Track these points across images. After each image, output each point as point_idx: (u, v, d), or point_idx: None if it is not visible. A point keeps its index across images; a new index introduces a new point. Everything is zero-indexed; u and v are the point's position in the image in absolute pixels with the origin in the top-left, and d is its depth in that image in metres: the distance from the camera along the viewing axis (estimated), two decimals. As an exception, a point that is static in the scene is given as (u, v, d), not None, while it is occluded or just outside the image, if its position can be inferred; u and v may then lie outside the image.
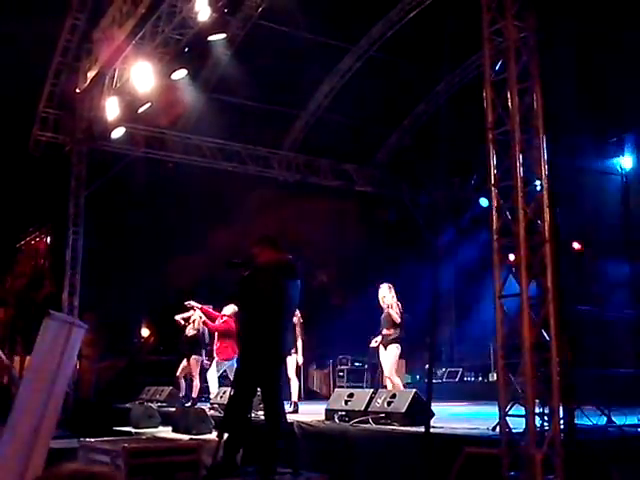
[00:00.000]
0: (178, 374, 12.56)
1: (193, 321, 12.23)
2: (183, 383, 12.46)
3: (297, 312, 9.43)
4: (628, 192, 10.93)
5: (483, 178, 6.03)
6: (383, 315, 9.65)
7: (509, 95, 5.88)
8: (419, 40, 13.37)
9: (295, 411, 9.75)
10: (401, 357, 9.68)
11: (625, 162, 12.22)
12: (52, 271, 14.41)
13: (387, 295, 9.68)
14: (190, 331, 12.23)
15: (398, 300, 9.71)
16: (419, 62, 13.91)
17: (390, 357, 9.45)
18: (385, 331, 9.56)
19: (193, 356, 12.13)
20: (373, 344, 9.77)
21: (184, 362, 12.33)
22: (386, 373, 9.55)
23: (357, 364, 15.57)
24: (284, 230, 12.41)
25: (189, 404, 11.46)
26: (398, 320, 9.50)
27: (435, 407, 7.86)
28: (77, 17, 12.61)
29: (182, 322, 12.26)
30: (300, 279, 6.36)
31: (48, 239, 15.38)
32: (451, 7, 7.29)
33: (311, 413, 8.88)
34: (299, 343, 10.15)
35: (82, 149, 14.00)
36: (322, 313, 15.13)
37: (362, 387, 14.01)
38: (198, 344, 12.21)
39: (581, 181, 10.75)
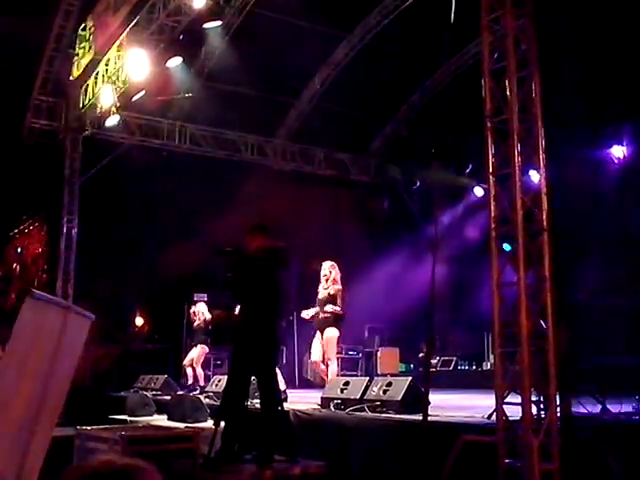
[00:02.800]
0: (185, 362, 12.67)
1: (198, 312, 12.51)
2: (190, 371, 12.55)
3: None
4: (625, 181, 10.97)
5: (478, 167, 6.02)
6: (322, 295, 9.08)
7: (507, 84, 5.87)
8: (414, 29, 13.34)
9: (284, 399, 9.64)
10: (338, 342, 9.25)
11: (622, 151, 12.25)
12: (47, 259, 14.34)
13: (331, 273, 9.11)
14: (198, 322, 12.53)
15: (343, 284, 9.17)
16: (414, 51, 13.87)
17: (330, 339, 8.96)
18: (322, 314, 9.01)
19: (200, 345, 12.35)
20: (304, 316, 9.22)
21: (193, 351, 12.51)
22: (314, 358, 9.09)
23: (351, 353, 15.59)
24: (278, 218, 12.39)
25: (197, 392, 11.52)
26: (339, 303, 8.96)
27: (429, 395, 7.90)
28: (71, 3, 12.50)
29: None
30: (291, 267, 6.37)
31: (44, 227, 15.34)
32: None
33: (307, 401, 8.89)
34: None
35: (76, 137, 13.94)
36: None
37: (357, 375, 14.03)
38: (205, 333, 12.49)
39: (579, 169, 10.76)
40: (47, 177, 13.57)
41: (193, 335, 12.89)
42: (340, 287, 9.11)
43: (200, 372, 12.41)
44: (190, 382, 12.51)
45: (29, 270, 15.33)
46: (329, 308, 8.98)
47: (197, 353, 12.49)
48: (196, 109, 14.72)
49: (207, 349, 12.57)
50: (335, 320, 9.03)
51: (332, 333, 9.01)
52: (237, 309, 11.19)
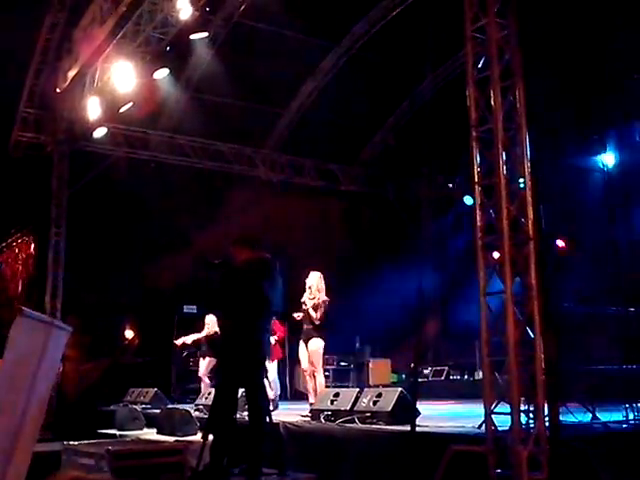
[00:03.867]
0: (202, 374, 12.53)
1: (207, 324, 12.35)
2: (207, 381, 12.43)
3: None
4: (611, 189, 11.00)
5: (468, 176, 6.02)
6: (308, 307, 8.98)
7: (492, 93, 5.89)
8: (402, 38, 13.37)
9: (275, 407, 9.56)
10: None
11: (608, 159, 12.29)
12: (35, 273, 14.26)
13: (316, 284, 9.06)
14: (205, 331, 12.40)
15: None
16: (402, 60, 13.90)
17: (315, 351, 8.95)
18: (305, 325, 8.98)
19: (208, 358, 12.21)
20: (296, 316, 9.15)
21: (205, 362, 12.38)
22: (304, 366, 9.08)
23: (343, 364, 15.55)
24: (268, 230, 12.38)
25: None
26: (321, 313, 8.91)
27: (421, 406, 7.87)
28: (57, 16, 12.46)
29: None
30: (279, 278, 6.33)
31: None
32: (434, 5, 7.31)
33: (298, 413, 8.85)
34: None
35: (64, 149, 13.86)
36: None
37: (348, 386, 13.99)
38: (212, 345, 12.34)
39: (564, 178, 10.79)
40: (34, 190, 13.49)
41: (201, 347, 12.69)
42: (325, 298, 9.05)
43: (208, 382, 12.28)
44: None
45: (12, 284, 15.23)
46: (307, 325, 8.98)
47: (207, 365, 12.37)
48: (184, 120, 14.70)
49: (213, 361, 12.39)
50: (317, 330, 8.98)
51: (317, 344, 8.98)
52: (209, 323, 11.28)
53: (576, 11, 10.64)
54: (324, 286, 9.17)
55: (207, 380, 12.29)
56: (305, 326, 9.04)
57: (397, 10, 13.21)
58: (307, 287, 9.16)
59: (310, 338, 8.98)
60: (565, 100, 10.44)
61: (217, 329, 12.21)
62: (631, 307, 7.61)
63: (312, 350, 8.98)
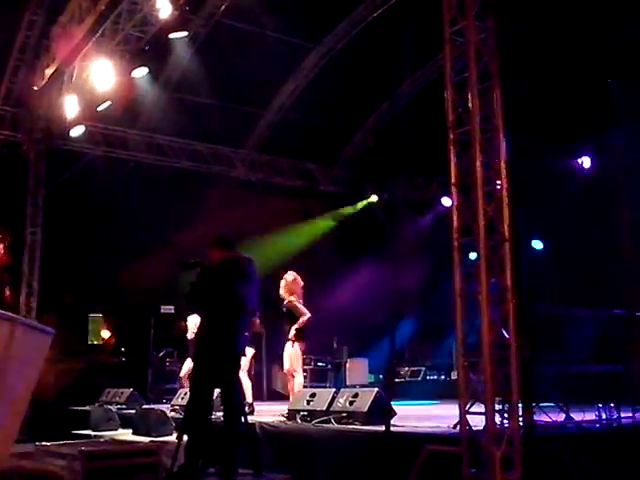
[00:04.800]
0: (182, 375, 12.47)
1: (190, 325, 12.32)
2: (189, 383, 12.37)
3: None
4: (588, 192, 11.12)
5: (446, 178, 6.05)
6: (287, 308, 9.12)
7: (470, 95, 5.92)
8: (383, 40, 13.40)
9: (251, 412, 9.60)
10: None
11: (585, 162, 12.43)
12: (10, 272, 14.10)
13: (293, 285, 9.19)
14: (191, 334, 12.31)
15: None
16: (383, 62, 13.93)
17: (296, 352, 9.06)
18: (290, 326, 9.06)
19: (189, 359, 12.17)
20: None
21: (189, 363, 12.32)
22: (287, 367, 9.16)
23: (320, 364, 15.55)
24: (247, 230, 12.35)
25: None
26: (306, 313, 9.08)
27: (398, 406, 7.90)
28: (36, 13, 12.36)
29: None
30: (254, 278, 6.32)
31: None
32: (414, 8, 7.34)
33: (274, 413, 8.84)
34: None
35: (40, 148, 13.75)
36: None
37: (325, 387, 13.99)
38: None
39: (541, 181, 10.89)
40: (10, 189, 13.34)
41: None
42: (293, 299, 9.12)
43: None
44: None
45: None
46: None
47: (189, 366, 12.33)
48: (163, 120, 14.63)
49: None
50: (296, 332, 9.04)
51: (296, 346, 9.05)
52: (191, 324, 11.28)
53: (555, 14, 10.74)
54: (300, 287, 9.22)
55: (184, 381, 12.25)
56: (288, 327, 9.11)
57: (378, 12, 13.24)
58: (282, 287, 9.25)
59: (295, 339, 9.05)
60: (543, 103, 10.53)
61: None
62: (605, 308, 7.69)
63: (291, 351, 9.03)
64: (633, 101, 10.20)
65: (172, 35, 11.35)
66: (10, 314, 4.02)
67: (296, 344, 9.05)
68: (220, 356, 6.07)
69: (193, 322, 12.13)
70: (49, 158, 13.71)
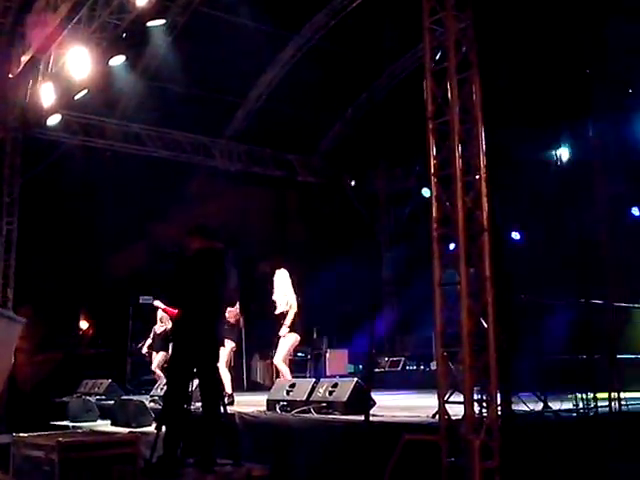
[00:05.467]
0: (154, 367, 12.45)
1: (160, 318, 12.26)
2: (160, 373, 12.36)
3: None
4: (565, 182, 11.20)
5: (426, 168, 6.06)
6: (283, 309, 9.47)
7: (449, 85, 5.93)
8: (362, 30, 13.38)
9: (230, 403, 9.63)
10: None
11: (562, 153, 12.51)
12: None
13: (285, 282, 9.57)
14: (159, 328, 12.33)
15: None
16: (362, 52, 13.92)
17: (287, 344, 9.39)
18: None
19: (162, 352, 12.16)
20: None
21: (159, 356, 12.31)
22: (277, 360, 9.47)
23: (300, 354, 15.54)
24: (225, 220, 12.29)
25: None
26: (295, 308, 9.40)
27: (377, 396, 7.94)
28: (10, 0, 12.15)
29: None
30: (231, 268, 6.32)
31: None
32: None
33: (254, 404, 8.84)
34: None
35: (16, 136, 13.55)
36: (264, 304, 15.05)
37: (305, 377, 14.00)
38: (166, 339, 12.29)
39: (519, 171, 10.95)
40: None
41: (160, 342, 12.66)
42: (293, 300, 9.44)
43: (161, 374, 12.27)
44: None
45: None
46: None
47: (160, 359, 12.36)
48: (141, 109, 14.50)
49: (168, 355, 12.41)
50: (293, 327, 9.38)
51: (289, 338, 9.41)
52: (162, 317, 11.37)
53: (534, 4, 10.77)
54: (283, 282, 9.56)
55: (160, 372, 12.25)
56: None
57: (357, 1, 13.20)
58: (275, 286, 9.57)
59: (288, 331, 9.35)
60: (521, 94, 10.57)
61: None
62: (582, 298, 7.76)
63: (286, 341, 9.36)
64: (610, 91, 10.28)
65: (149, 23, 11.26)
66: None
67: (292, 336, 9.38)
68: (198, 346, 6.05)
69: (163, 315, 12.18)
70: (25, 147, 13.51)
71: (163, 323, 12.32)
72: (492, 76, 6.47)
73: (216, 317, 6.22)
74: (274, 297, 9.57)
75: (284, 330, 9.31)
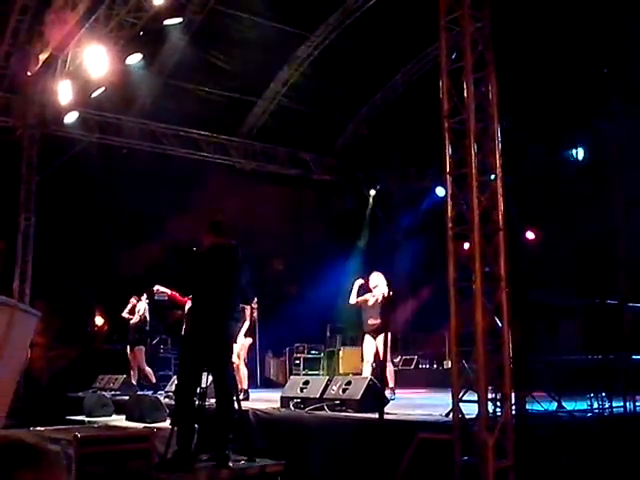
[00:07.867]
0: (132, 363, 12.59)
1: (137, 310, 12.36)
2: (148, 368, 12.48)
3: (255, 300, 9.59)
4: (581, 182, 11.15)
5: (440, 168, 6.06)
6: (371, 303, 9.70)
7: (465, 84, 5.92)
8: (377, 29, 13.38)
9: (245, 398, 9.66)
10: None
11: (578, 152, 12.46)
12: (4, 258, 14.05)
13: (380, 284, 9.75)
14: (135, 318, 12.48)
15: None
16: (377, 51, 13.91)
17: (381, 345, 9.41)
18: (372, 320, 9.62)
19: (136, 347, 12.27)
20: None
21: (128, 351, 12.44)
22: (370, 358, 9.63)
23: (314, 352, 15.59)
24: (240, 218, 12.33)
25: (151, 392, 11.44)
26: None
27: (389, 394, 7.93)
28: (28, -2, 12.24)
29: (127, 316, 12.47)
30: (244, 265, 6.33)
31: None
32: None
33: (267, 401, 8.87)
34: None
35: (34, 134, 13.66)
36: (279, 301, 15.10)
37: (319, 374, 14.03)
38: (142, 333, 12.39)
39: (536, 171, 10.91)
40: (4, 175, 13.27)
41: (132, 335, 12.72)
42: (378, 297, 9.66)
43: (149, 370, 12.38)
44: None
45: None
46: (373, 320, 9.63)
47: (138, 355, 12.43)
48: (157, 107, 14.57)
49: (144, 348, 12.53)
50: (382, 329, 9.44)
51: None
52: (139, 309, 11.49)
53: (551, 4, 10.72)
54: (384, 285, 9.80)
55: (147, 368, 12.34)
56: (372, 321, 9.60)
57: (372, 1, 13.19)
58: (372, 287, 9.82)
59: (378, 333, 9.46)
60: (537, 93, 10.53)
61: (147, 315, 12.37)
62: (597, 298, 7.73)
63: (378, 343, 9.44)
64: (627, 90, 10.22)
65: (166, 21, 11.31)
66: (12, 300, 4.04)
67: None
68: (208, 342, 6.06)
69: (141, 307, 12.28)
70: (42, 144, 13.63)
71: (136, 314, 12.41)
72: (509, 75, 6.46)
73: (227, 313, 6.20)
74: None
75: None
